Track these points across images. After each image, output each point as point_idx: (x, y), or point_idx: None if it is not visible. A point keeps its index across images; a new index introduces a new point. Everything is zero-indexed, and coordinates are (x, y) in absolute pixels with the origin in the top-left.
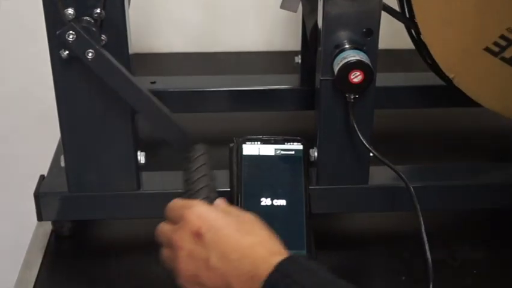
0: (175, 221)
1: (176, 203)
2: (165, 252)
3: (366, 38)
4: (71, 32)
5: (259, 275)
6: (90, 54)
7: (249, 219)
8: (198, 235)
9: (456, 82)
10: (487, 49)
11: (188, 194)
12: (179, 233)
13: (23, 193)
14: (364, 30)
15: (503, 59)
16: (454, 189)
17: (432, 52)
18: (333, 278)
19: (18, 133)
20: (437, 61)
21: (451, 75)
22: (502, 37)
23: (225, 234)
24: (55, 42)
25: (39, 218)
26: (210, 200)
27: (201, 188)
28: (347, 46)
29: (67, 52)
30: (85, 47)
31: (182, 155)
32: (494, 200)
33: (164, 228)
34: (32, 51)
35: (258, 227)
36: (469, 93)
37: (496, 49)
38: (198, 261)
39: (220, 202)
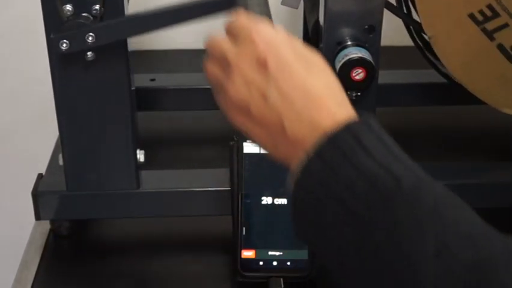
0: (236, 38)
1: (243, 19)
2: (213, 68)
3: (368, 34)
4: (64, 41)
5: (321, 126)
6: (90, 38)
7: (318, 61)
8: (262, 63)
9: (432, 42)
10: (471, 15)
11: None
12: (241, 54)
13: (21, 192)
14: (366, 26)
15: (484, 30)
16: (457, 188)
17: (417, 8)
18: (403, 155)
19: (16, 131)
20: (419, 17)
21: (429, 34)
22: (489, 7)
23: (293, 71)
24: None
25: (37, 217)
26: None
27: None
28: (348, 43)
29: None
30: (82, 39)
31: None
32: (498, 200)
33: (221, 42)
34: (30, 48)
35: (326, 73)
36: (441, 57)
37: (480, 18)
38: (254, 90)
39: (281, 29)
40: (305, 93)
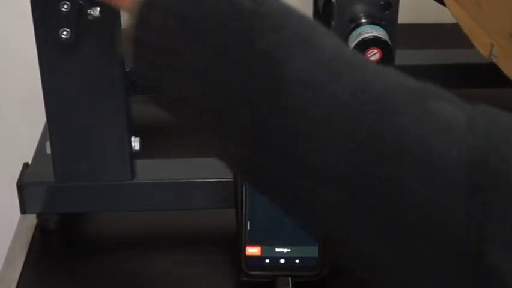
0: None
1: None
2: None
3: (384, 11)
4: (64, 29)
5: None
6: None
7: None
8: None
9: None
10: None
11: None
12: None
13: (5, 183)
14: (382, 2)
15: None
16: None
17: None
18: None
19: (0, 117)
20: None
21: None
22: None
23: None
24: (41, 18)
25: (23, 210)
26: None
27: None
28: (363, 21)
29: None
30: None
31: None
32: None
33: None
34: (14, 26)
35: None
36: None
37: None
38: None
39: None
40: None
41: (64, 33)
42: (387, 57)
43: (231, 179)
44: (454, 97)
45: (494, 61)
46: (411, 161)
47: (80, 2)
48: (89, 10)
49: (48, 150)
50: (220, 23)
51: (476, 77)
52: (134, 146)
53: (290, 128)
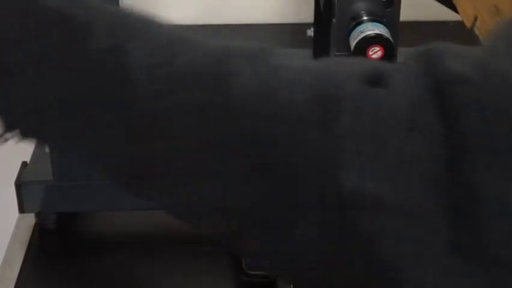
0: None
1: None
2: None
3: (386, 9)
4: None
5: None
6: None
7: None
8: None
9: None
10: None
11: None
12: None
13: (3, 182)
14: (383, 0)
15: None
16: None
17: None
18: None
19: None
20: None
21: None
22: None
23: None
24: None
25: (21, 210)
26: None
27: None
28: (364, 18)
29: None
30: None
31: None
32: None
33: None
34: None
35: None
36: None
37: None
38: None
39: None
40: None
41: None
42: (389, 55)
43: None
44: (287, 50)
45: (476, 33)
46: (262, 111)
47: None
48: None
49: (47, 149)
50: (55, 36)
51: None
52: None
53: (150, 113)
